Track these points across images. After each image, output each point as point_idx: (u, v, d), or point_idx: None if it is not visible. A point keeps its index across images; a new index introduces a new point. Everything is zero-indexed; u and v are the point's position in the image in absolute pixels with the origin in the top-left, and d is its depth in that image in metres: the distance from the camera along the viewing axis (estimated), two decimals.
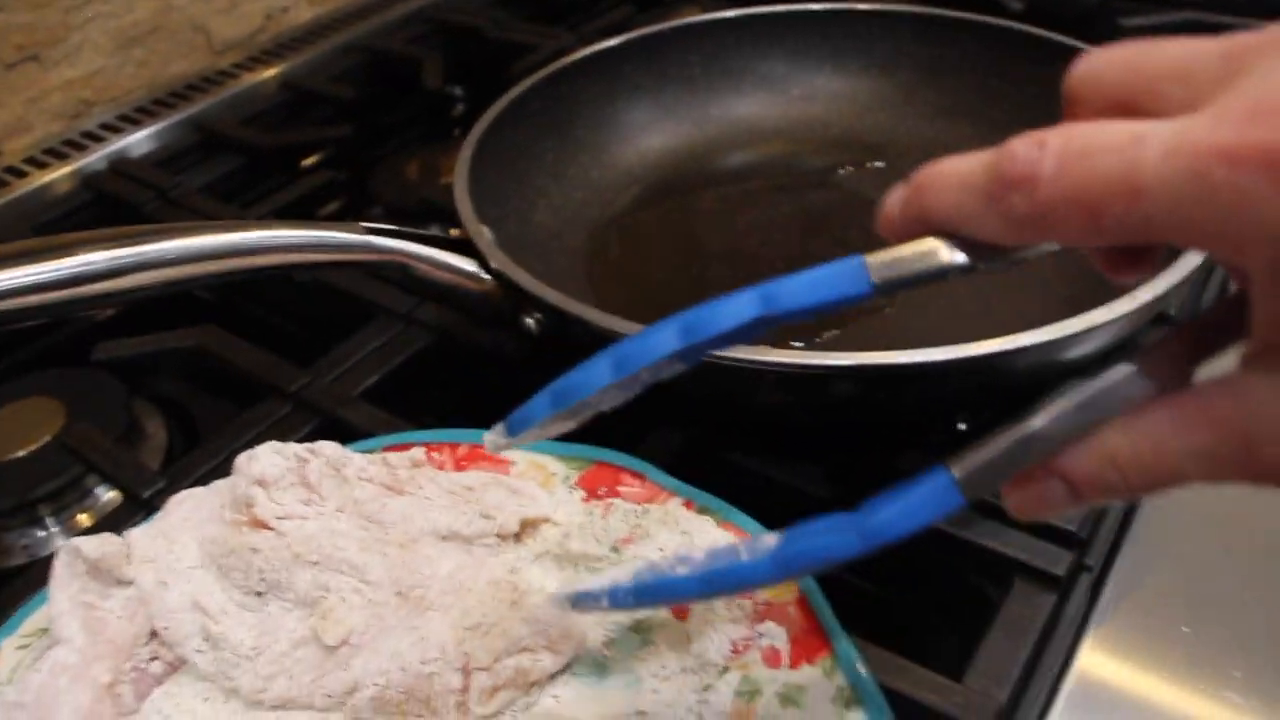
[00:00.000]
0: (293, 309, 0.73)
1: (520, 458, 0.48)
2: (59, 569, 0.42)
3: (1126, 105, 0.27)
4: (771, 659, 0.39)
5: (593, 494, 0.46)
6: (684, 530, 0.43)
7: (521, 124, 0.68)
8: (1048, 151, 0.25)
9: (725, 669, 0.39)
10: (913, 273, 0.29)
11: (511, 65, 0.90)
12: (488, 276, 0.53)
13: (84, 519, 0.59)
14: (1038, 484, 0.30)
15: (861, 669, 0.38)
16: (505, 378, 0.60)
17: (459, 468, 0.48)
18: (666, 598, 0.35)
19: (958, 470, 0.30)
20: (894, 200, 0.30)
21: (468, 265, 0.53)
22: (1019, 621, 0.44)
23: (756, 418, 0.52)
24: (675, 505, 0.45)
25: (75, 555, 0.42)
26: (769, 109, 0.79)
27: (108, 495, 0.60)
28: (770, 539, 0.34)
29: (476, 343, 0.60)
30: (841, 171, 0.74)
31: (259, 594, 0.42)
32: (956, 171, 0.28)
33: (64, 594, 0.41)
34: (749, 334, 0.31)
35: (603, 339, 0.47)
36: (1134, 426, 0.28)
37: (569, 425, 0.36)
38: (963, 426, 0.56)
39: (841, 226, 0.68)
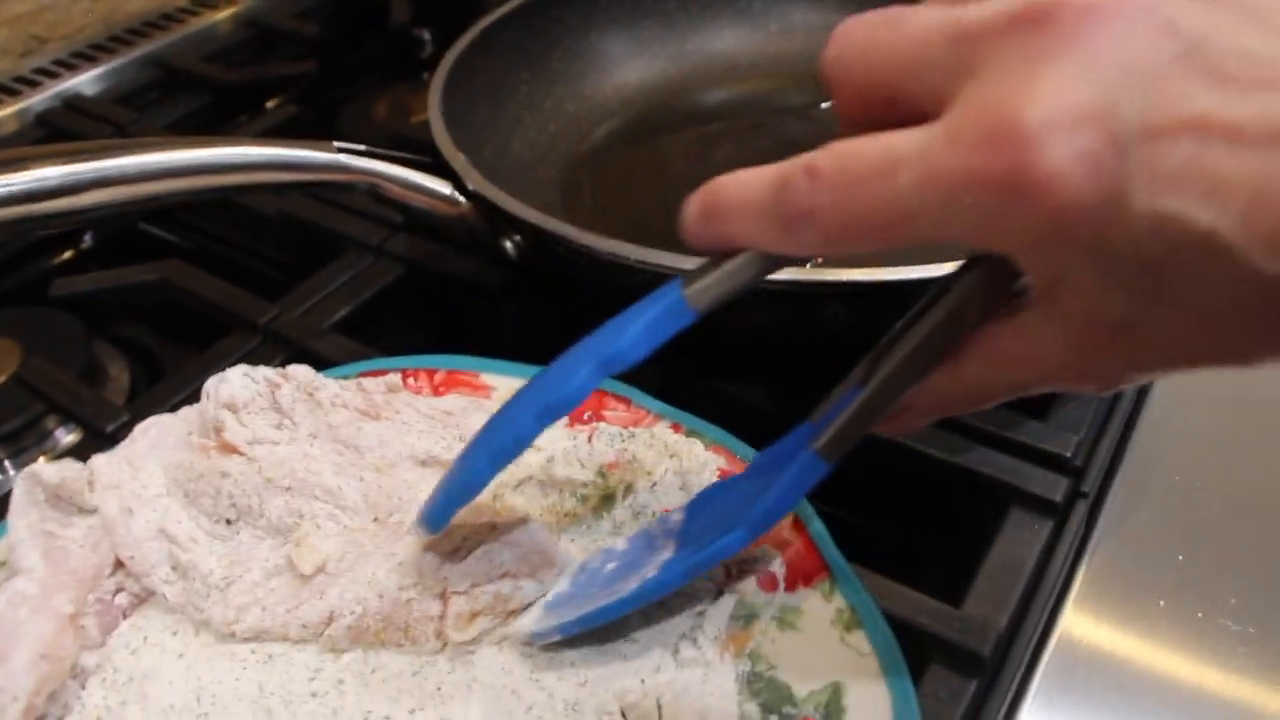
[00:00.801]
0: (260, 245, 0.71)
1: (500, 384, 0.46)
2: (18, 496, 0.40)
3: (877, 92, 0.29)
4: (768, 583, 0.38)
5: (577, 418, 0.44)
6: (672, 453, 0.42)
7: (495, 54, 0.66)
8: (821, 184, 0.27)
9: (719, 593, 0.38)
10: (733, 293, 0.32)
11: (480, 3, 0.88)
12: (463, 199, 0.51)
13: (44, 461, 0.56)
14: (888, 420, 0.34)
15: (861, 591, 0.37)
16: (480, 307, 0.58)
17: (437, 393, 0.46)
18: (604, 620, 0.37)
19: (818, 444, 0.34)
20: (693, 218, 0.32)
21: (443, 187, 0.51)
22: (1016, 548, 0.43)
23: (746, 341, 0.50)
24: (663, 429, 0.43)
25: (34, 482, 0.40)
26: (746, 44, 0.77)
27: (68, 438, 0.58)
28: (675, 518, 0.39)
29: (450, 273, 0.58)
30: (823, 105, 0.72)
31: (229, 522, 0.40)
32: (746, 199, 0.30)
33: (23, 522, 0.39)
34: None
35: (584, 258, 0.46)
36: (957, 371, 0.32)
37: None
38: None
39: None
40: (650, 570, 0.37)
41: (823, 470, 0.34)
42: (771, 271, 0.31)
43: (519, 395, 0.34)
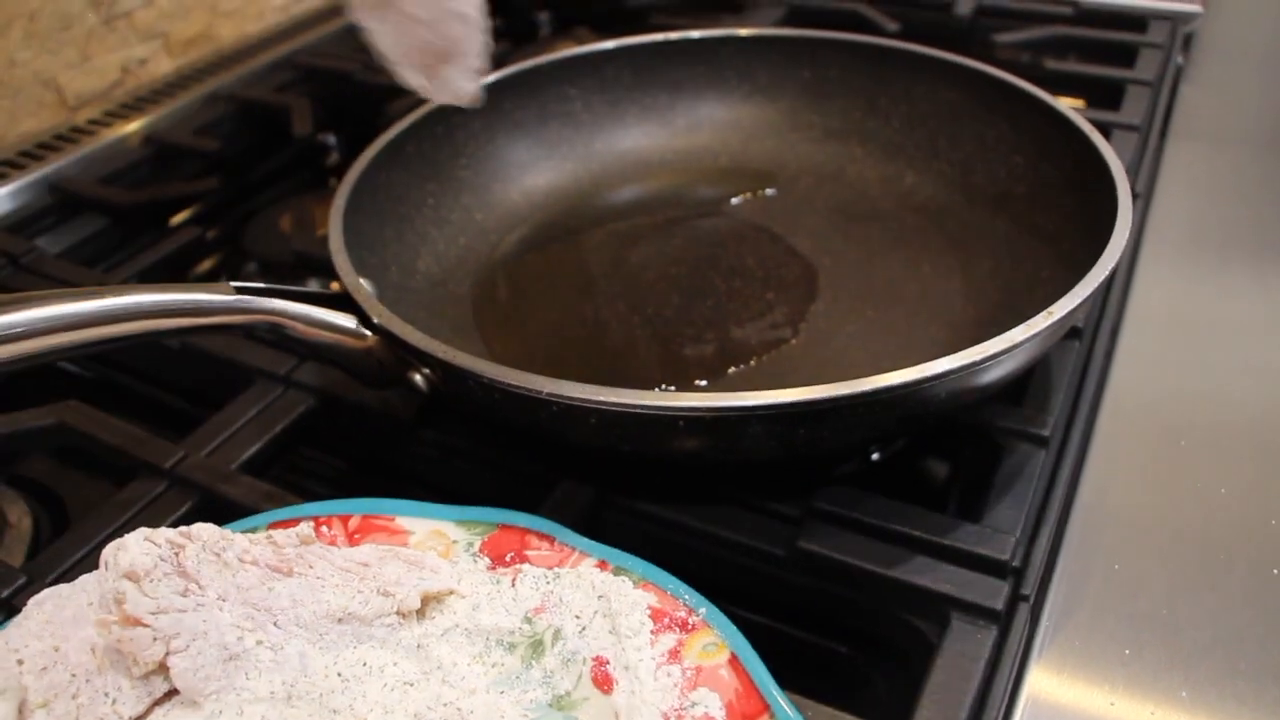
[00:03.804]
0: (165, 377, 0.68)
1: (417, 526, 0.44)
2: None
3: None
4: None
5: (499, 560, 0.43)
6: (600, 594, 0.40)
7: (398, 167, 0.65)
8: None
9: None
10: None
11: (385, 109, 0.87)
12: (369, 333, 0.49)
13: None
14: None
15: None
16: (395, 438, 0.57)
17: (352, 542, 0.44)
18: None
19: None
20: None
21: (347, 322, 0.49)
22: (960, 660, 0.42)
23: (667, 464, 0.49)
24: (588, 567, 0.42)
25: None
26: (655, 141, 0.77)
27: None
28: None
29: (363, 402, 0.56)
30: (734, 200, 0.72)
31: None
32: None
33: None
34: None
35: (495, 391, 0.44)
36: None
37: None
38: (876, 456, 0.54)
39: (737, 255, 0.66)
40: None
41: None
42: None
43: None
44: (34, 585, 0.46)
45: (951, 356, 0.42)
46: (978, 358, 0.42)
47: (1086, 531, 0.49)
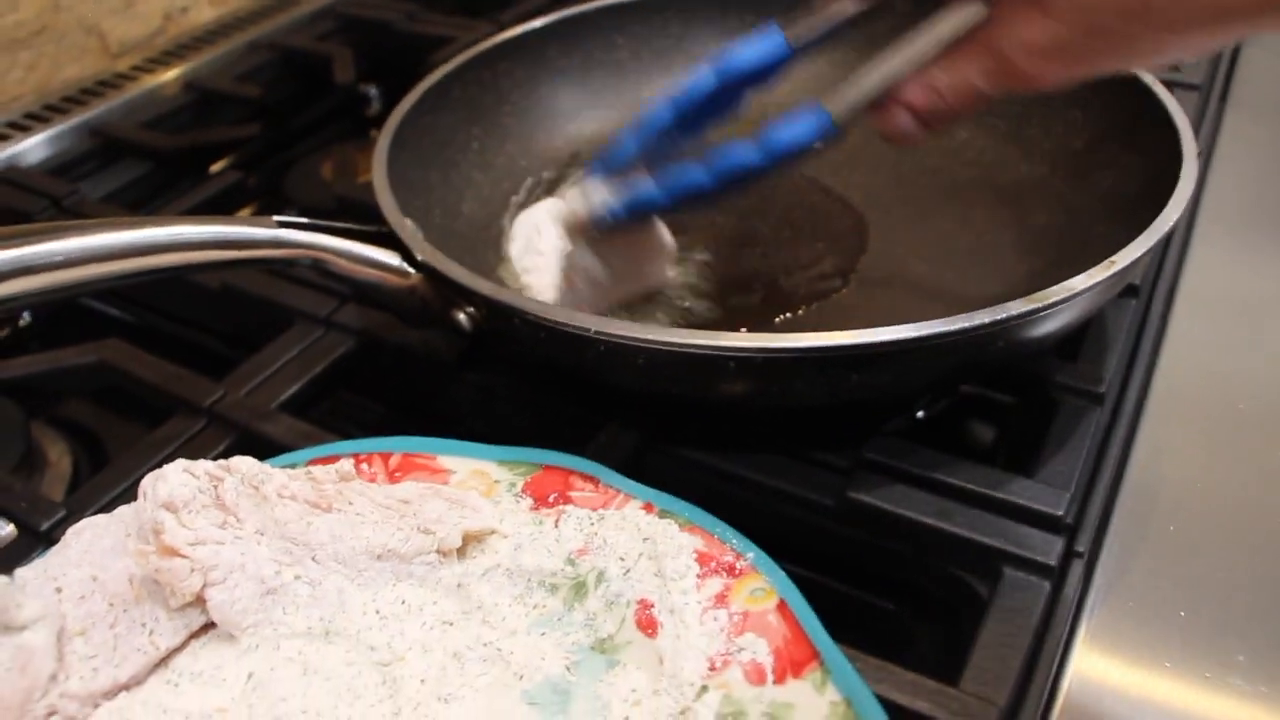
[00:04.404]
0: (205, 319, 0.68)
1: (459, 465, 0.43)
2: None
3: None
4: (755, 675, 0.35)
5: (542, 501, 0.42)
6: (646, 536, 0.39)
7: (443, 111, 0.64)
8: None
9: (704, 688, 0.35)
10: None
11: (427, 59, 0.86)
12: (412, 270, 0.48)
13: None
14: (890, 114, 0.44)
15: (856, 679, 0.35)
16: (436, 379, 0.56)
17: (392, 480, 0.43)
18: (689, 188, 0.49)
19: (831, 105, 0.45)
20: None
21: (390, 258, 0.48)
22: (1012, 616, 0.41)
23: (714, 409, 0.48)
24: (633, 509, 0.41)
25: None
26: None
27: (3, 531, 0.54)
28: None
29: (404, 344, 0.55)
30: None
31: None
32: None
33: None
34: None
35: (541, 329, 0.43)
36: (949, 65, 0.43)
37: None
38: (921, 414, 0.53)
39: (786, 207, 0.65)
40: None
41: (826, 122, 0.45)
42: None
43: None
44: (73, 518, 0.46)
45: (1012, 302, 0.41)
46: (1038, 305, 0.41)
47: (1141, 492, 0.47)
